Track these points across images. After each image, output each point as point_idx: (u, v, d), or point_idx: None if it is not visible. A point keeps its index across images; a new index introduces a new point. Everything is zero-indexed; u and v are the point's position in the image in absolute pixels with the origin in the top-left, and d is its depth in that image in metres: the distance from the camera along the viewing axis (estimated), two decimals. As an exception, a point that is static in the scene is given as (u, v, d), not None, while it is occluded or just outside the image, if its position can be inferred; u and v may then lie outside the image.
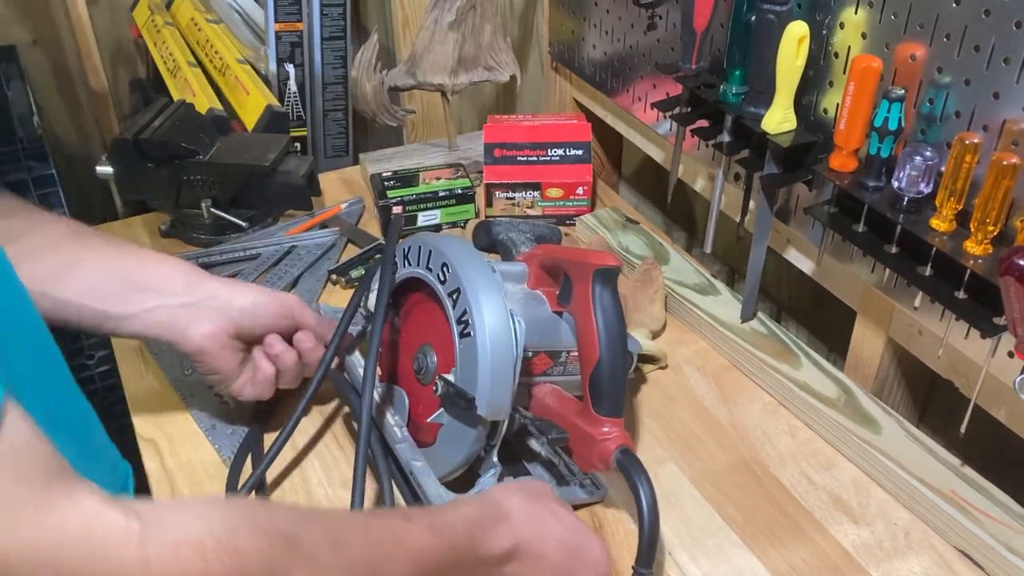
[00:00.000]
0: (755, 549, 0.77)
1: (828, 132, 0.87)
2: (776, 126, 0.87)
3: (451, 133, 1.35)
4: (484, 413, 0.71)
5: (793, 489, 0.83)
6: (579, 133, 1.24)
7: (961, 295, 0.75)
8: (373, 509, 0.68)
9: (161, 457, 0.87)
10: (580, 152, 1.23)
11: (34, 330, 0.64)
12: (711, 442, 0.88)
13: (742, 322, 1.00)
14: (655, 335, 1.02)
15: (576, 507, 0.80)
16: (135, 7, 2.10)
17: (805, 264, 0.99)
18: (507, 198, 1.22)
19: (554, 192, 1.21)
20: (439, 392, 0.73)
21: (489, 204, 1.22)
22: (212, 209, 1.18)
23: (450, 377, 0.73)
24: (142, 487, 0.86)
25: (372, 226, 1.23)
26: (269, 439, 0.86)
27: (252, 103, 1.55)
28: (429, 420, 0.77)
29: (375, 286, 0.81)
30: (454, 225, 1.22)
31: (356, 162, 1.40)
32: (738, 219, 1.00)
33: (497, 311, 0.71)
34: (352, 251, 1.18)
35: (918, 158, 0.75)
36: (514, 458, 0.82)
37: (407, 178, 1.23)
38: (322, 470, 0.85)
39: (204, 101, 1.56)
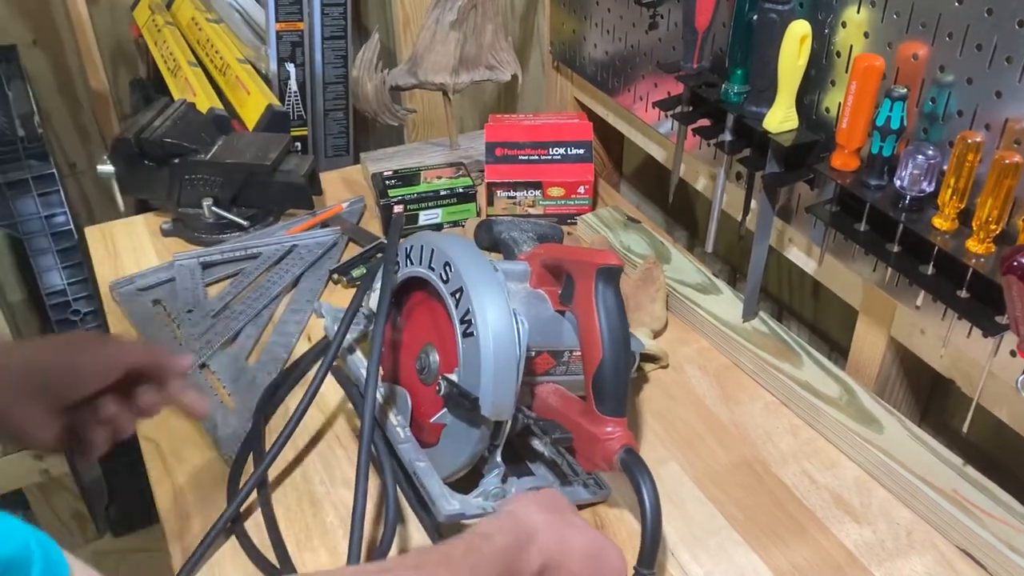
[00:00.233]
0: (757, 548, 0.77)
1: (830, 131, 0.87)
2: (778, 125, 0.87)
3: (452, 132, 1.35)
4: (488, 413, 0.71)
5: (795, 488, 0.83)
6: (580, 132, 1.24)
7: (963, 294, 0.75)
8: (417, 557, 0.66)
9: (163, 457, 0.87)
10: (581, 151, 1.23)
11: None
12: (713, 441, 0.88)
13: (744, 321, 1.00)
14: (656, 334, 1.02)
15: (580, 507, 0.80)
16: (135, 7, 2.10)
17: (807, 263, 0.99)
18: (508, 197, 1.22)
19: (555, 191, 1.21)
20: (442, 392, 0.73)
21: (490, 203, 1.22)
22: (213, 208, 1.18)
23: (453, 377, 0.73)
24: (144, 487, 0.86)
25: (373, 225, 1.23)
26: (270, 438, 0.86)
27: (253, 103, 1.55)
28: (432, 420, 0.77)
29: (377, 286, 0.81)
30: (455, 224, 1.22)
31: (357, 161, 1.40)
32: (739, 218, 1.00)
33: (500, 311, 0.71)
34: (353, 250, 1.17)
35: (920, 157, 0.75)
36: (517, 458, 0.82)
37: (408, 177, 1.23)
38: (324, 470, 0.85)
39: (205, 101, 1.56)
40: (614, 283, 0.75)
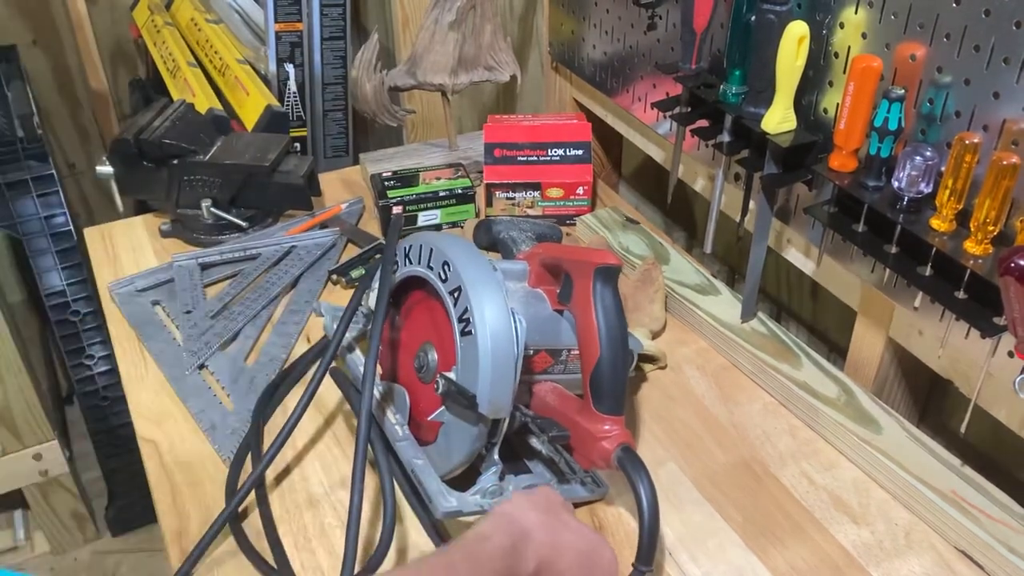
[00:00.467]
0: (755, 549, 0.77)
1: (828, 132, 0.87)
2: (776, 126, 0.87)
3: (451, 133, 1.35)
4: (485, 411, 0.71)
5: (793, 489, 0.83)
6: (579, 133, 1.24)
7: (961, 295, 0.75)
8: (417, 568, 0.67)
9: (161, 457, 0.87)
10: (580, 152, 1.23)
11: None
12: (711, 442, 0.88)
13: (742, 322, 1.00)
14: (655, 335, 1.02)
15: (577, 505, 0.80)
16: (135, 7, 2.11)
17: (805, 264, 0.99)
18: (507, 198, 1.22)
19: (554, 192, 1.21)
20: (440, 390, 0.73)
21: (489, 204, 1.22)
22: (212, 209, 1.18)
23: (451, 375, 0.73)
24: (143, 487, 0.86)
25: (372, 226, 1.23)
26: (269, 438, 0.86)
27: (252, 103, 1.55)
28: (430, 418, 0.77)
29: (375, 285, 0.81)
30: (454, 225, 1.22)
31: (356, 162, 1.41)
32: (738, 219, 1.00)
33: (498, 309, 0.71)
34: (352, 251, 1.18)
35: (918, 158, 0.75)
36: (515, 456, 0.82)
37: (407, 178, 1.23)
38: (322, 470, 0.85)
39: (204, 101, 1.56)
40: (612, 282, 0.75)
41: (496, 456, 0.76)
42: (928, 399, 0.99)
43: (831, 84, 0.88)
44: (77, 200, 2.33)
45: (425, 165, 1.27)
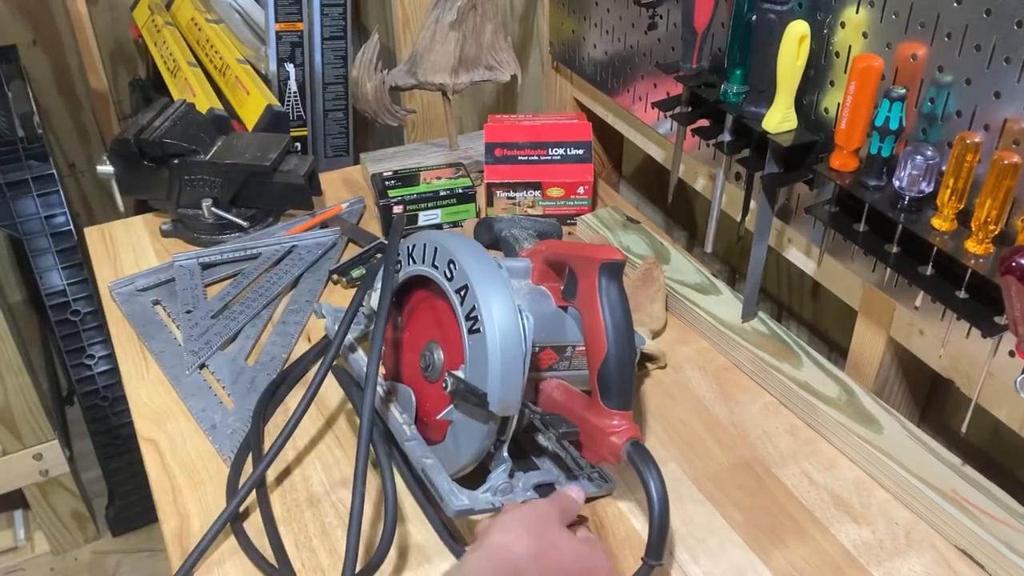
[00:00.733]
0: (756, 548, 0.77)
1: (829, 131, 0.87)
2: (777, 125, 0.87)
3: (452, 133, 1.35)
4: (495, 409, 0.71)
5: (794, 489, 0.83)
6: (580, 133, 1.24)
7: (962, 295, 0.75)
8: None
9: (161, 456, 0.87)
10: (581, 152, 1.23)
11: None
12: (712, 442, 0.88)
13: (743, 322, 1.00)
14: (656, 335, 1.02)
15: (585, 501, 0.80)
16: (135, 7, 2.11)
17: (806, 264, 0.99)
18: (508, 197, 1.22)
19: (555, 191, 1.21)
20: (449, 389, 0.73)
21: (490, 203, 1.22)
22: (213, 209, 1.18)
23: (460, 374, 0.73)
24: (143, 487, 0.86)
25: (373, 225, 1.23)
26: (270, 438, 0.86)
27: (252, 103, 1.55)
28: (438, 417, 0.77)
29: (378, 285, 0.81)
30: (455, 225, 1.22)
31: (357, 162, 1.41)
32: (739, 219, 1.00)
33: (506, 307, 0.71)
34: (353, 250, 1.18)
35: (919, 157, 0.75)
36: (522, 453, 0.83)
37: (408, 178, 1.23)
38: (323, 469, 0.85)
39: (204, 101, 1.56)
40: (617, 278, 0.75)
41: (505, 453, 0.76)
42: (929, 399, 0.99)
43: (832, 83, 0.88)
44: (77, 200, 2.33)
45: (426, 165, 1.27)
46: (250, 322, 1.04)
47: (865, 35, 0.82)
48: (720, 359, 0.99)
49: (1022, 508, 0.77)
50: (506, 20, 1.53)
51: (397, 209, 1.18)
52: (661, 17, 1.10)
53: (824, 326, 1.18)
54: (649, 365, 0.98)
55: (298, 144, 1.83)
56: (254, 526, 0.79)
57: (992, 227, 0.71)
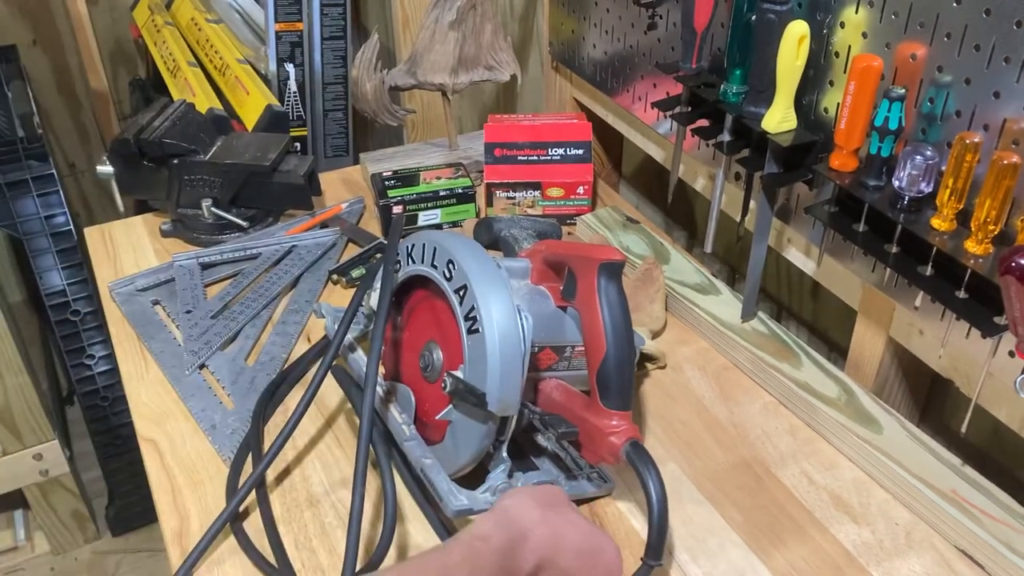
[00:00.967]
0: (756, 549, 0.77)
1: (828, 131, 0.87)
2: (776, 125, 0.87)
3: (451, 133, 1.35)
4: (495, 409, 0.71)
5: (794, 489, 0.83)
6: (579, 133, 1.24)
7: (962, 295, 0.75)
8: (415, 567, 0.67)
9: (161, 456, 0.87)
10: (580, 152, 1.23)
11: None
12: (712, 442, 0.88)
13: (743, 322, 1.00)
14: (655, 335, 1.02)
15: (583, 501, 0.81)
16: (135, 7, 2.11)
17: (805, 264, 0.99)
18: (508, 197, 1.22)
19: (555, 191, 1.21)
20: (448, 389, 0.73)
21: (490, 203, 1.22)
22: (212, 209, 1.18)
23: (459, 374, 0.73)
24: (143, 487, 0.86)
25: (373, 225, 1.23)
26: (269, 438, 0.86)
27: (252, 103, 1.55)
28: (437, 417, 0.77)
29: (377, 285, 0.81)
30: (455, 224, 1.22)
31: (356, 162, 1.40)
32: (738, 219, 1.00)
33: (504, 307, 0.71)
34: (353, 250, 1.18)
35: (919, 157, 0.75)
36: (521, 453, 0.83)
37: (408, 178, 1.23)
38: (323, 469, 0.85)
39: (204, 101, 1.56)
40: (616, 278, 0.75)
41: (504, 454, 0.76)
42: (928, 399, 0.99)
43: (831, 83, 0.88)
44: (77, 200, 2.33)
45: (425, 165, 1.27)
46: (250, 322, 1.04)
47: (864, 35, 0.82)
48: (720, 359, 0.99)
49: (1022, 508, 0.77)
50: (506, 20, 1.53)
51: (397, 209, 1.18)
52: (661, 17, 1.10)
53: (824, 326, 1.18)
54: (649, 365, 0.98)
55: (298, 144, 1.83)
56: (254, 526, 0.79)
57: (992, 227, 0.71)
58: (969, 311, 0.74)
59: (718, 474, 0.85)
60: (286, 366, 0.98)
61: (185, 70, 1.70)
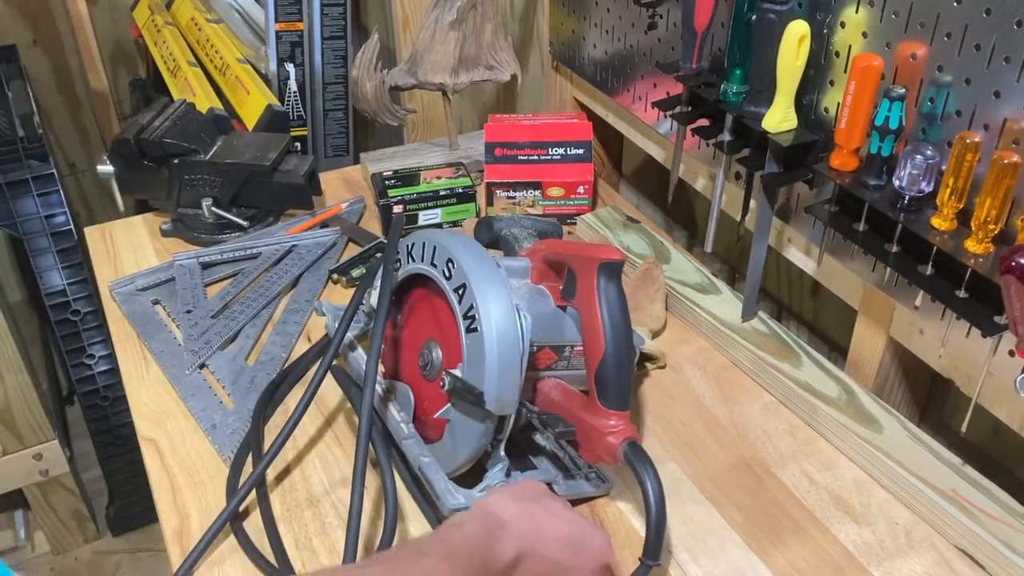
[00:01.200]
0: (756, 548, 0.77)
1: (829, 131, 0.87)
2: (777, 125, 0.87)
3: (452, 132, 1.35)
4: (492, 408, 0.71)
5: (794, 488, 0.83)
6: (580, 132, 1.24)
7: (962, 294, 0.75)
8: (391, 551, 0.68)
9: (161, 456, 0.87)
10: (581, 151, 1.23)
11: None
12: (712, 442, 0.88)
13: (743, 321, 1.00)
14: (656, 334, 1.02)
15: (582, 501, 0.81)
16: (135, 7, 2.11)
17: (806, 263, 0.99)
18: (508, 197, 1.22)
19: (555, 191, 1.21)
20: (446, 387, 0.73)
21: (490, 203, 1.22)
22: (213, 208, 1.18)
23: (457, 372, 0.73)
24: (143, 487, 0.86)
25: (373, 225, 1.23)
26: (269, 438, 0.86)
27: (252, 103, 1.55)
28: (436, 416, 0.77)
29: (377, 283, 0.81)
30: (455, 224, 1.22)
31: (357, 161, 1.40)
32: (739, 218, 1.00)
33: (503, 306, 0.71)
34: (353, 250, 1.18)
35: (919, 157, 0.75)
36: (520, 452, 0.83)
37: (408, 177, 1.23)
38: (323, 469, 0.85)
39: (204, 101, 1.56)
40: (616, 278, 0.75)
41: (502, 453, 0.76)
42: (929, 398, 0.99)
43: (832, 83, 0.88)
44: (77, 199, 2.33)
45: (426, 164, 1.27)
46: (250, 322, 1.04)
47: (865, 35, 0.82)
48: (720, 359, 0.99)
49: (1022, 508, 0.77)
50: (506, 20, 1.53)
51: (397, 209, 1.18)
52: (661, 17, 1.10)
53: (824, 326, 1.18)
54: (649, 365, 0.98)
55: (298, 144, 1.83)
56: (254, 526, 0.79)
57: (992, 226, 0.71)
58: (969, 310, 0.74)
59: (718, 474, 0.85)
60: (286, 366, 0.98)
61: (185, 70, 1.70)
